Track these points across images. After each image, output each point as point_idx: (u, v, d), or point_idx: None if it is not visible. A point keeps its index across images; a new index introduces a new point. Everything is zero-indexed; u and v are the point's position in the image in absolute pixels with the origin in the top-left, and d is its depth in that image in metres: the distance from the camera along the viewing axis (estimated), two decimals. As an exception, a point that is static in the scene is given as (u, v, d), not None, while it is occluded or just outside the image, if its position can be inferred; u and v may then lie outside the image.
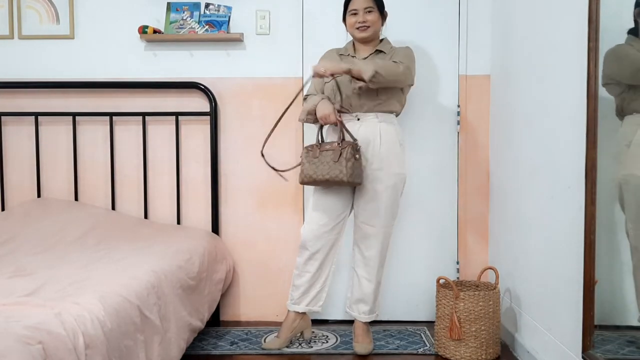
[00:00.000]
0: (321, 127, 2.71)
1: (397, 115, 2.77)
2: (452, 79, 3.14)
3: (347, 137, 2.62)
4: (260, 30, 3.15)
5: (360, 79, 2.55)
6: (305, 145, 2.81)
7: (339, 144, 2.59)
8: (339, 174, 2.54)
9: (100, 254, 2.48)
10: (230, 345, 2.83)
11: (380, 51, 2.74)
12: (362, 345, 2.74)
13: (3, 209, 3.18)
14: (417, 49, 3.11)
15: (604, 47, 1.92)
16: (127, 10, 3.16)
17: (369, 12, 2.67)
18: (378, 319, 2.92)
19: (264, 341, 2.84)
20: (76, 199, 3.18)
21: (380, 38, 2.80)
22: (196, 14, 3.10)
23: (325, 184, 2.62)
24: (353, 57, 2.75)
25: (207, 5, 3.10)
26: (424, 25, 3.12)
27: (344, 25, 2.80)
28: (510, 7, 2.84)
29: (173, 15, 3.10)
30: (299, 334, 2.87)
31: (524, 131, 2.65)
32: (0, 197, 3.19)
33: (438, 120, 3.15)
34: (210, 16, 3.09)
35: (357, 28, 2.69)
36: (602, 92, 1.93)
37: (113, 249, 2.56)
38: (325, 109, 2.63)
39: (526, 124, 2.62)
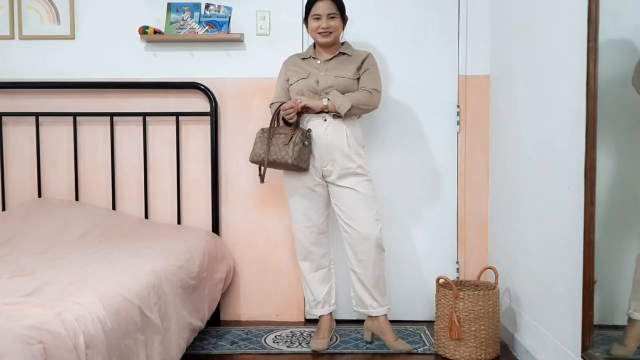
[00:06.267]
0: (278, 111, 2.73)
1: (358, 118, 2.81)
2: (452, 79, 3.14)
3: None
4: (260, 30, 3.15)
5: (335, 112, 2.66)
6: (262, 127, 2.82)
7: (292, 128, 2.67)
8: (285, 156, 2.61)
9: (101, 254, 2.48)
10: (231, 345, 2.83)
11: (344, 53, 2.79)
12: (401, 342, 2.77)
13: (3, 209, 3.19)
14: (417, 49, 3.13)
15: (604, 47, 1.92)
16: (128, 10, 3.16)
17: (332, 18, 2.71)
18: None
19: (310, 344, 2.81)
20: (77, 199, 3.19)
21: (342, 41, 2.85)
22: (196, 14, 3.10)
23: (273, 165, 2.68)
24: (314, 58, 2.80)
25: (207, 6, 3.10)
26: (423, 25, 3.12)
27: (305, 27, 2.85)
28: (509, 7, 2.85)
29: (173, 16, 3.10)
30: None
31: (523, 131, 2.65)
32: (1, 197, 3.20)
33: (438, 120, 3.15)
34: (210, 17, 3.09)
35: (320, 33, 2.73)
36: (602, 92, 1.93)
37: (113, 249, 2.57)
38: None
39: (526, 124, 2.62)
